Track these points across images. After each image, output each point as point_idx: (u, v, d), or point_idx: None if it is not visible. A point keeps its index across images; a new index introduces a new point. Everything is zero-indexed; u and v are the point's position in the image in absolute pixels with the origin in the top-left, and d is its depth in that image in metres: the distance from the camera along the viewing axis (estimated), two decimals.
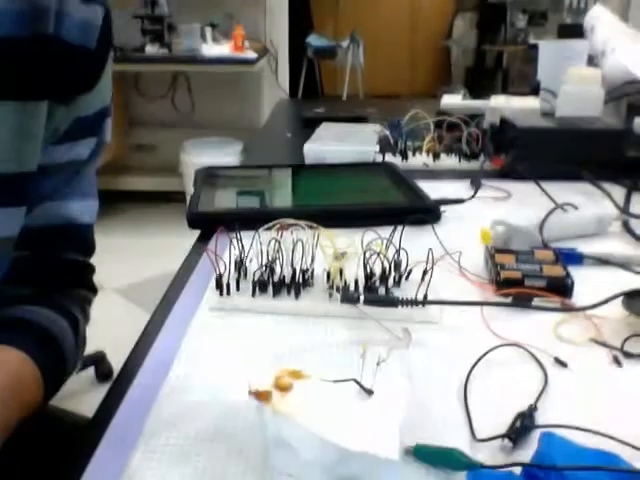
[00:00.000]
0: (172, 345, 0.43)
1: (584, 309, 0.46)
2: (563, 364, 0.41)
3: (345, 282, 0.47)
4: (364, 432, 0.30)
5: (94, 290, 0.54)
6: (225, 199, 0.70)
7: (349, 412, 0.31)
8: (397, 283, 0.49)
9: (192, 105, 3.19)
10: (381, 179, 0.78)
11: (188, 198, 1.06)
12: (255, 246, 0.48)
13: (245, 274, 0.50)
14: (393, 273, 0.49)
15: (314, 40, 3.90)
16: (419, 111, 0.95)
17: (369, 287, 0.48)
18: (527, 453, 0.32)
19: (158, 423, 0.35)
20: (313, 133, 0.96)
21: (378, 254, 0.47)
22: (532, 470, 0.30)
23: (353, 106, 1.33)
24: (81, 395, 1.54)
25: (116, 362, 1.69)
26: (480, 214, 0.68)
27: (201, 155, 2.77)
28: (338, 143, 0.90)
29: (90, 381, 1.70)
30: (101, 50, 0.45)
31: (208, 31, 2.81)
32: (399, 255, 0.48)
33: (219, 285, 0.48)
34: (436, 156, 0.90)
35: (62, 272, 0.50)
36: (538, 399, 0.37)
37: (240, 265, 0.49)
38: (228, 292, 0.48)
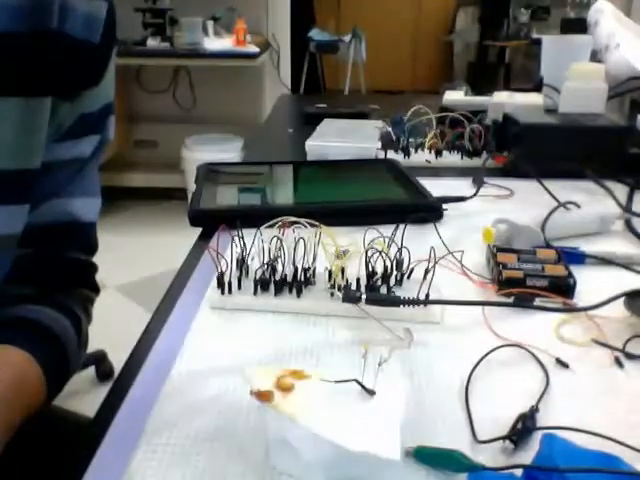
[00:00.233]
0: (173, 344, 0.43)
1: (586, 309, 0.46)
2: (565, 365, 0.41)
3: (347, 281, 0.47)
4: (365, 432, 0.29)
5: (96, 289, 0.54)
6: (227, 196, 0.70)
7: (350, 412, 0.31)
8: (399, 282, 0.49)
9: (194, 100, 3.18)
10: (383, 176, 0.77)
11: (189, 195, 1.05)
12: (257, 244, 0.48)
13: (247, 272, 0.50)
14: (395, 272, 0.49)
15: (316, 35, 3.89)
16: (422, 106, 0.95)
17: (371, 286, 0.47)
18: (528, 455, 0.32)
19: (159, 422, 0.35)
20: (315, 129, 0.96)
21: (380, 252, 0.47)
22: (533, 472, 0.30)
23: (355, 101, 1.32)
24: (82, 394, 1.55)
25: (117, 361, 1.69)
26: (482, 212, 0.68)
27: (202, 151, 2.76)
28: (340, 139, 0.89)
29: (91, 380, 1.70)
30: (105, 45, 0.45)
31: (210, 25, 2.79)
32: (401, 253, 0.48)
33: (221, 283, 0.48)
34: (438, 153, 0.90)
35: (65, 271, 0.50)
36: (539, 400, 0.37)
37: (242, 263, 0.49)
38: (230, 290, 0.48)
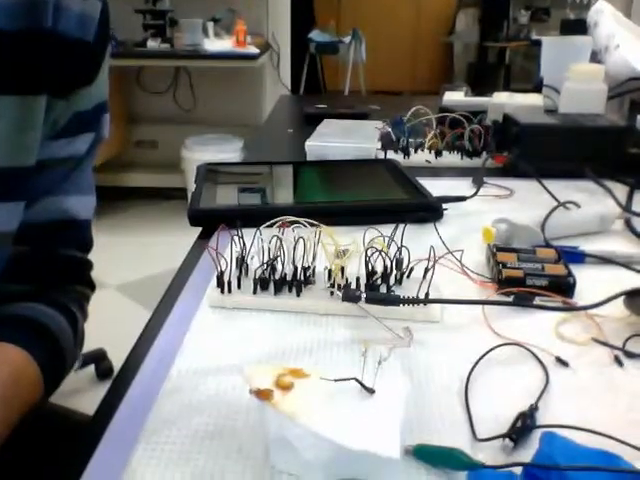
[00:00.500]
0: (173, 343, 0.43)
1: (586, 308, 0.46)
2: (564, 363, 0.41)
3: (346, 280, 0.47)
4: (365, 431, 0.29)
5: (92, 286, 0.54)
6: (226, 196, 0.70)
7: (350, 411, 0.31)
8: (398, 281, 0.49)
9: (194, 101, 3.18)
10: (383, 176, 0.77)
11: (189, 195, 1.05)
12: (256, 243, 0.48)
13: (246, 272, 0.50)
14: (394, 271, 0.49)
15: (316, 36, 3.90)
16: (421, 107, 0.95)
17: (370, 285, 0.47)
18: (528, 453, 0.32)
19: (159, 421, 0.35)
20: (315, 130, 0.96)
21: (380, 252, 0.47)
22: (533, 470, 0.30)
23: (355, 102, 1.32)
24: (82, 393, 1.55)
25: (117, 360, 1.69)
26: (482, 212, 0.68)
27: (202, 152, 2.76)
28: (340, 140, 0.89)
29: (90, 379, 1.70)
30: (99, 44, 0.45)
31: (210, 26, 2.80)
32: (401, 253, 0.48)
33: (220, 283, 0.48)
34: (438, 153, 0.90)
35: (60, 268, 0.50)
36: (539, 399, 0.37)
37: (241, 263, 0.49)
38: (229, 290, 0.48)
